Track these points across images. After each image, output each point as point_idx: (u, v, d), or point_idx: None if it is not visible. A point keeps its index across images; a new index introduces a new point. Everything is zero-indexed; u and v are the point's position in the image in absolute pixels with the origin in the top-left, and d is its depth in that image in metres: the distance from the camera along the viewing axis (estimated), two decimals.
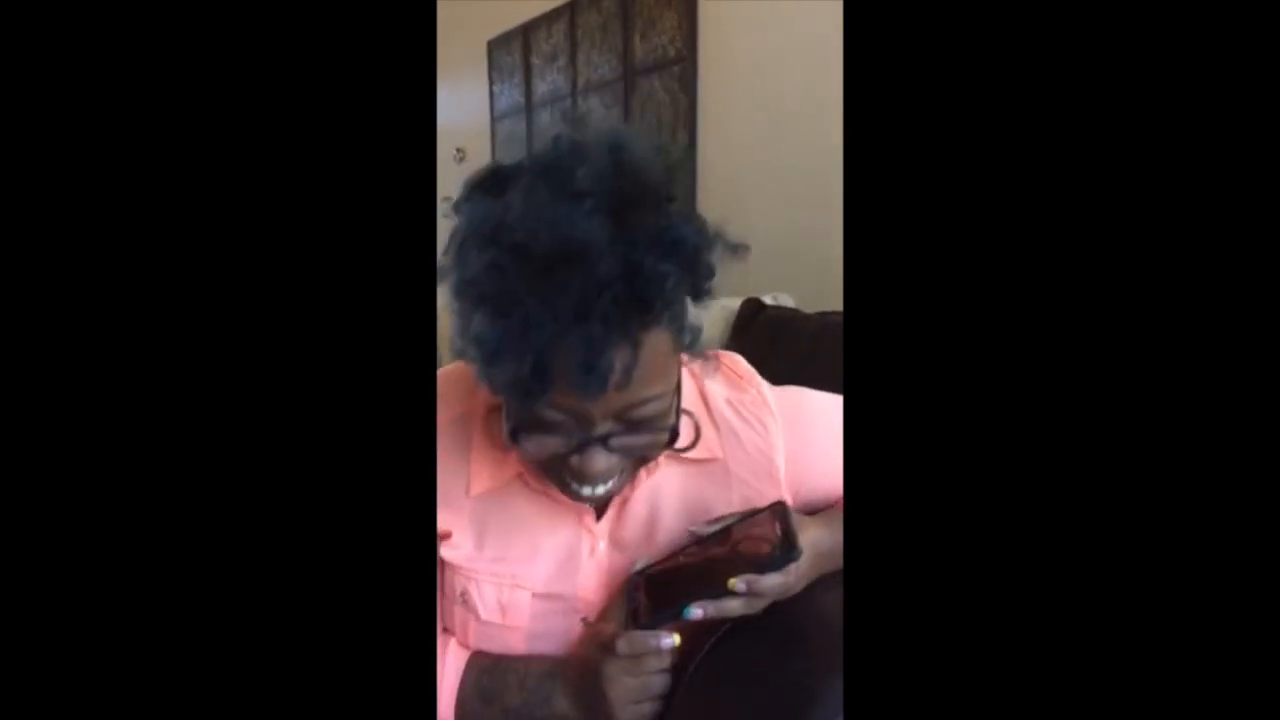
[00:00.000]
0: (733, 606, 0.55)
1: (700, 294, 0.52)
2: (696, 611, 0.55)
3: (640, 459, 0.57)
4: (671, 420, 0.55)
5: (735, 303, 1.74)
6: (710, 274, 0.51)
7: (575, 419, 0.51)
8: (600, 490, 0.55)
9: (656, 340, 0.49)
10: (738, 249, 0.53)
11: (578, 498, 0.57)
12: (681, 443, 0.58)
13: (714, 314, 1.68)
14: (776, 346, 0.70)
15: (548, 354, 0.45)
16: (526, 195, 0.47)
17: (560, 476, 0.55)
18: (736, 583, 0.54)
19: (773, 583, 0.55)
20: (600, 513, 0.65)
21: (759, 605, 0.56)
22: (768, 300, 1.73)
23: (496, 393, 0.51)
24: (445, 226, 0.51)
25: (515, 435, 0.53)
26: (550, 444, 0.53)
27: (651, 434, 0.54)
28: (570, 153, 0.48)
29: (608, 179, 0.47)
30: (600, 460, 0.52)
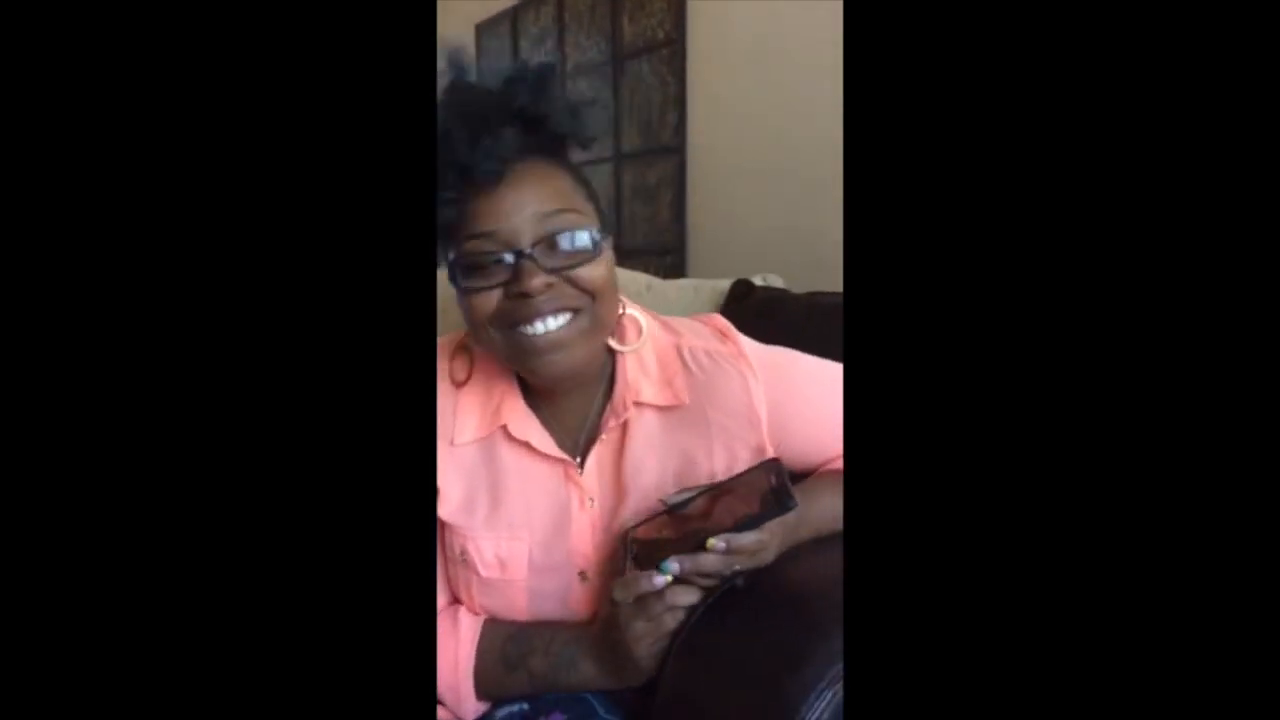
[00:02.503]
0: (709, 562, 0.58)
1: (578, 113, 0.64)
2: (674, 566, 0.58)
3: (584, 293, 0.61)
4: (589, 229, 0.61)
5: (725, 284, 1.75)
6: (570, 109, 0.63)
7: (500, 243, 0.58)
8: (552, 325, 0.60)
9: (545, 164, 0.62)
10: (577, 109, 0.64)
11: (532, 345, 0.60)
12: (625, 343, 0.67)
13: (704, 294, 1.70)
14: (765, 326, 0.73)
15: (449, 157, 0.58)
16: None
17: (511, 324, 0.60)
18: (715, 541, 0.57)
19: (749, 540, 0.58)
20: (583, 466, 0.68)
21: (738, 563, 0.59)
22: (757, 281, 1.75)
23: (442, 246, 0.62)
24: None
25: (456, 272, 0.60)
26: (487, 276, 0.59)
27: (574, 244, 0.60)
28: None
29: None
30: (534, 274, 0.58)
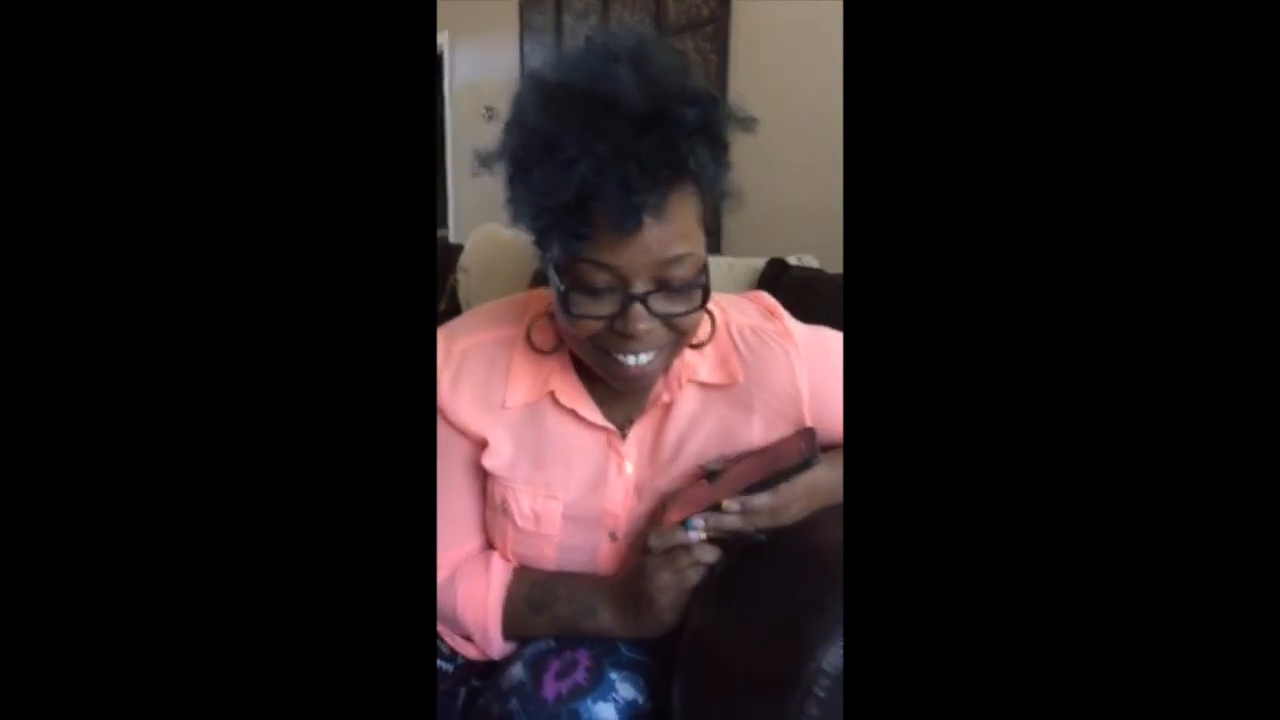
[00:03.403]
0: (729, 520, 0.62)
1: (718, 155, 0.59)
2: (698, 523, 0.62)
3: (677, 334, 0.62)
4: (703, 282, 0.60)
5: (760, 263, 1.77)
6: (724, 140, 0.59)
7: (617, 277, 0.57)
8: (643, 360, 0.61)
9: (685, 199, 0.57)
10: (747, 121, 0.60)
11: (622, 370, 0.62)
12: (699, 338, 0.66)
13: (739, 272, 1.72)
14: (799, 304, 0.75)
15: (589, 191, 0.53)
16: (569, 55, 0.57)
17: (605, 349, 0.61)
18: (730, 503, 0.61)
19: (762, 501, 0.62)
20: (625, 436, 0.71)
21: (755, 521, 0.62)
22: (791, 261, 1.76)
23: (545, 243, 0.59)
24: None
25: (566, 299, 0.59)
26: (596, 306, 0.59)
27: (686, 297, 0.59)
28: (603, 37, 0.58)
29: (635, 51, 0.56)
30: (642, 319, 0.58)
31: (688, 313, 0.60)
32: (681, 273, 0.58)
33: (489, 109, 3.75)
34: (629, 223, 0.54)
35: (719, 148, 0.59)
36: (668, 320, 0.60)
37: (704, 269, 0.60)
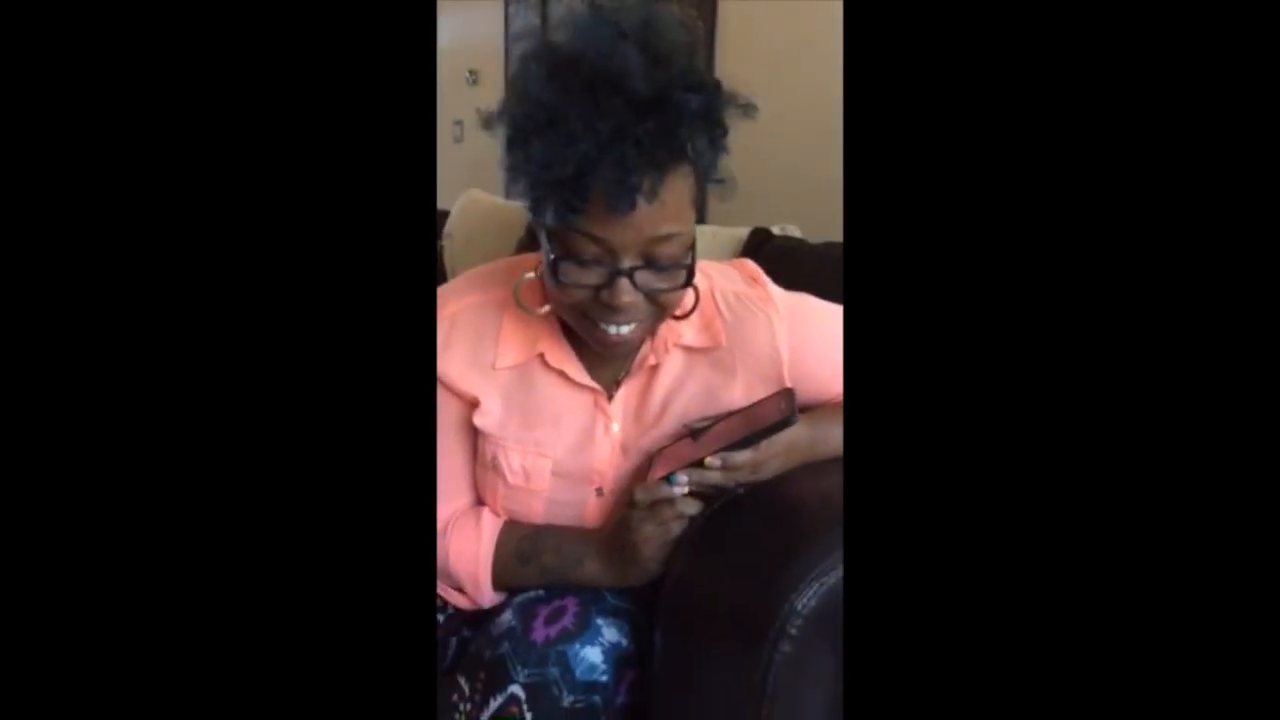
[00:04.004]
0: (711, 476, 0.65)
1: (716, 139, 0.60)
2: (681, 478, 0.65)
3: (659, 308, 0.64)
4: (689, 263, 0.62)
5: (743, 231, 1.79)
6: (724, 127, 0.60)
7: (606, 250, 0.59)
8: (624, 330, 0.63)
9: (680, 181, 0.59)
10: (748, 108, 0.61)
11: (602, 337, 0.64)
12: (683, 309, 0.67)
13: (723, 241, 1.74)
14: (782, 272, 0.77)
15: (587, 166, 0.54)
16: (577, 26, 0.57)
17: (590, 314, 0.63)
18: (712, 459, 0.64)
19: (743, 457, 0.65)
20: (611, 397, 0.74)
21: (735, 477, 0.66)
22: (775, 230, 1.79)
23: (539, 211, 0.60)
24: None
25: (555, 266, 0.61)
26: (584, 275, 0.61)
27: (671, 275, 0.61)
28: (612, 10, 0.58)
29: (644, 30, 0.56)
30: (627, 292, 0.60)
31: (671, 290, 0.63)
32: (669, 251, 0.60)
33: (472, 73, 3.71)
34: (624, 202, 0.55)
35: (718, 134, 0.60)
36: (651, 295, 0.62)
37: (691, 247, 0.62)
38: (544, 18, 3.20)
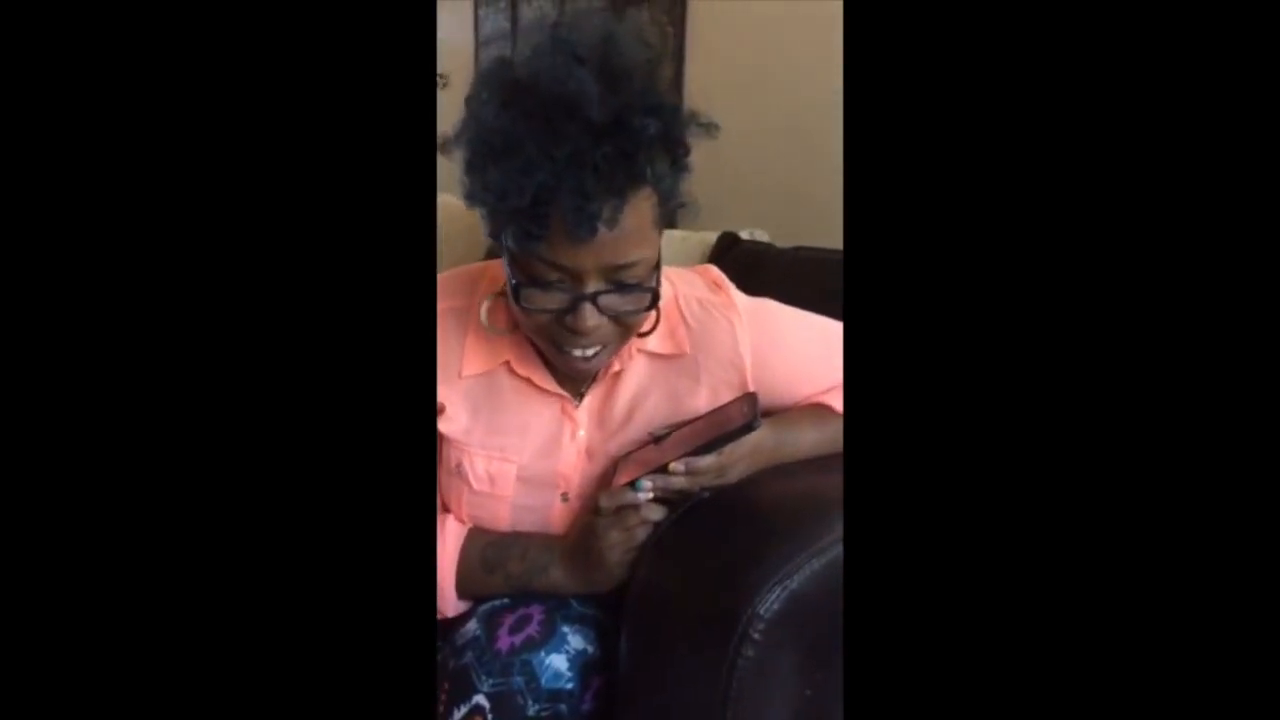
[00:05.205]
0: (676, 482, 0.65)
1: (678, 161, 0.59)
2: (646, 484, 0.65)
3: (624, 329, 0.64)
4: (653, 285, 0.62)
5: (712, 236, 1.80)
6: (686, 147, 0.59)
7: (569, 275, 0.58)
8: (590, 353, 0.63)
9: (642, 205, 0.58)
10: (709, 127, 0.61)
11: (569, 361, 0.64)
12: (645, 327, 0.67)
13: (691, 245, 1.74)
14: (750, 278, 0.78)
15: (545, 195, 0.54)
16: (533, 51, 0.56)
17: (555, 339, 0.63)
18: (676, 465, 0.64)
19: (706, 462, 0.65)
20: (579, 402, 0.74)
21: (700, 482, 0.66)
22: (744, 235, 1.80)
23: (501, 237, 0.59)
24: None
25: (518, 292, 0.60)
26: (547, 300, 0.60)
27: (635, 297, 0.61)
28: (569, 30, 0.56)
29: (601, 51, 0.55)
30: (591, 317, 0.60)
31: (636, 312, 0.62)
32: (633, 274, 0.60)
33: (442, 76, 3.68)
34: (584, 230, 0.54)
35: (679, 154, 0.60)
36: (616, 318, 0.62)
37: (655, 269, 0.62)
38: (514, 21, 3.19)
